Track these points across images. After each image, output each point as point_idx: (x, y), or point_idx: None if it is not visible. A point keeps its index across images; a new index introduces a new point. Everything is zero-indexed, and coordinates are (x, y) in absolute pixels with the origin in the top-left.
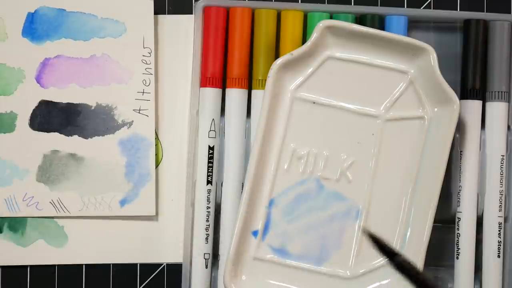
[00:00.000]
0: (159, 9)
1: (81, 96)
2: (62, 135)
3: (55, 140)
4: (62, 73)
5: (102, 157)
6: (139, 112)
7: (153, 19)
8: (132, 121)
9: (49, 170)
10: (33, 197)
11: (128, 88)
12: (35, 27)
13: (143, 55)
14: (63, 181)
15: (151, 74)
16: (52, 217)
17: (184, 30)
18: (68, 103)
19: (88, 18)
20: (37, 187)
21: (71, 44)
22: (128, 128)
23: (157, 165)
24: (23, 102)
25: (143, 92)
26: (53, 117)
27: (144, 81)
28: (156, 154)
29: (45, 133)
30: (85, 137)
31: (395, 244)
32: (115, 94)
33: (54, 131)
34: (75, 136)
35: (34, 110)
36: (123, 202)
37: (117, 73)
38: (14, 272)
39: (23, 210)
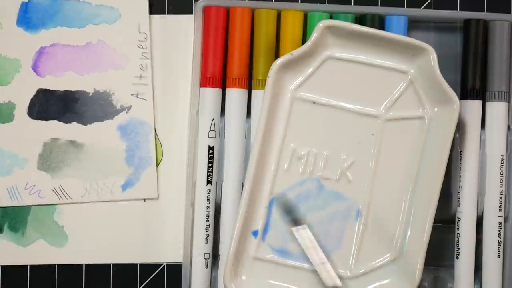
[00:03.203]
0: (159, 9)
1: (78, 83)
2: (61, 122)
3: (54, 128)
4: (58, 61)
5: (102, 143)
6: (137, 97)
7: (147, 3)
8: (131, 105)
9: (50, 158)
10: (34, 185)
11: (125, 74)
12: (29, 16)
13: (139, 40)
14: (64, 168)
15: (148, 58)
16: (56, 204)
17: (184, 30)
18: (65, 91)
19: (82, 5)
20: (38, 175)
21: (66, 32)
22: (126, 113)
23: (157, 165)
24: (21, 92)
25: (140, 77)
26: (51, 105)
27: (141, 66)
28: (156, 154)
29: (44, 121)
30: (84, 123)
31: (395, 243)
32: (113, 80)
33: (53, 119)
34: (74, 123)
35: (32, 99)
36: (125, 187)
37: (113, 59)
38: (14, 272)
39: (25, 199)
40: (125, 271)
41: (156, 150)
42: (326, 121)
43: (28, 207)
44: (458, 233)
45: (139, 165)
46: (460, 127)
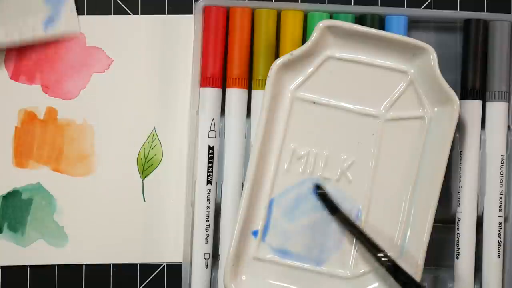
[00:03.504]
0: (159, 9)
1: None
2: None
3: None
4: None
5: None
6: None
7: None
8: None
9: None
10: None
11: None
12: None
13: None
14: None
15: None
16: None
17: (184, 30)
18: None
19: None
20: None
21: None
22: None
23: (157, 165)
24: None
25: None
26: None
27: None
28: (156, 154)
29: None
30: None
31: (395, 243)
32: None
33: None
34: None
35: None
36: (46, 24)
37: None
38: (14, 272)
39: None
40: (125, 271)
41: (156, 150)
42: (326, 121)
43: (28, 207)
44: (458, 233)
45: (57, 1)
46: (460, 127)
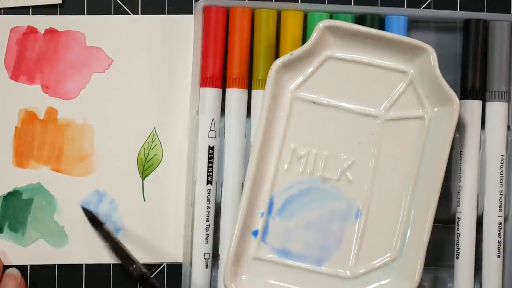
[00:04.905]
0: (159, 9)
1: None
2: None
3: None
4: None
5: None
6: None
7: None
8: None
9: None
10: None
11: None
12: None
13: None
14: None
15: None
16: None
17: (184, 30)
18: None
19: None
20: None
21: None
22: None
23: (157, 165)
24: None
25: None
26: None
27: None
28: (156, 154)
29: None
30: None
31: (395, 243)
32: None
33: None
34: None
35: None
36: None
37: None
38: None
39: None
40: (125, 271)
41: (156, 150)
42: (326, 121)
43: (29, 207)
44: (458, 233)
45: None
46: (460, 127)
